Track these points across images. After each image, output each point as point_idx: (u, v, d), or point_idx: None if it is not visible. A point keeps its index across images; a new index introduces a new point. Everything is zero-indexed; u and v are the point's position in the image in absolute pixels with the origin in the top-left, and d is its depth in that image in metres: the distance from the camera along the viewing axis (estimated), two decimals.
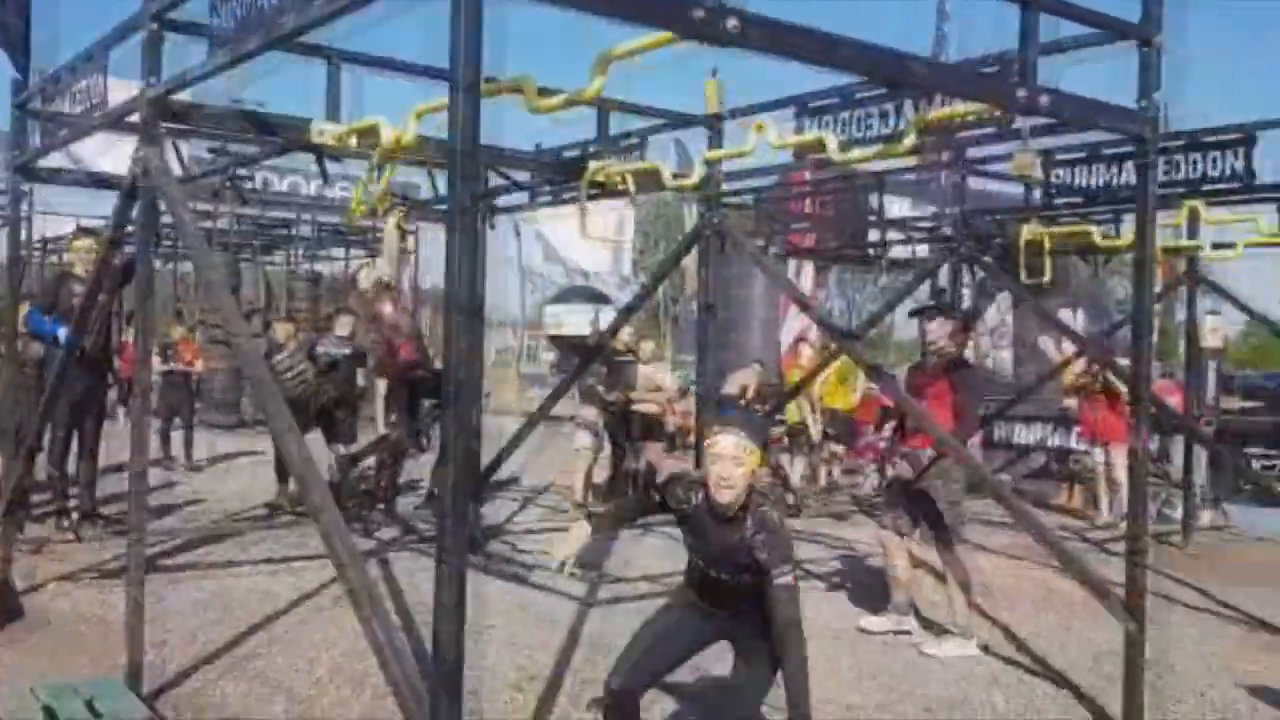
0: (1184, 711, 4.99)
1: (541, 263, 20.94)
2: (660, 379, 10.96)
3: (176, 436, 12.05)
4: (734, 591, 3.60)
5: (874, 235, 9.47)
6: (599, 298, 23.39)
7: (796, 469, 11.24)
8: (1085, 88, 4.30)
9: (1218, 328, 11.17)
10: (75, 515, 7.86)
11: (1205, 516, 10.13)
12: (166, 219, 7.93)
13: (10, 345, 7.24)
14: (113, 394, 11.62)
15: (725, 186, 6.69)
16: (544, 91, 4.74)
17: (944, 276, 11.36)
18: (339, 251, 20.51)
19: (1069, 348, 10.65)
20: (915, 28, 75.14)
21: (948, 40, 12.65)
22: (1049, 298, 11.98)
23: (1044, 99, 4.13)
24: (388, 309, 9.51)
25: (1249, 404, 18.57)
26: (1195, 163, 5.99)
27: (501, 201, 8.72)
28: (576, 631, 5.99)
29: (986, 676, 5.42)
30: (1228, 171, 5.88)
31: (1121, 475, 10.00)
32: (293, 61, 5.41)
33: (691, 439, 11.83)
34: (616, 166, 6.53)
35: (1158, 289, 6.68)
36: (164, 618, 5.51)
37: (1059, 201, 7.22)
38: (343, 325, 9.62)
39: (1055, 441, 12.06)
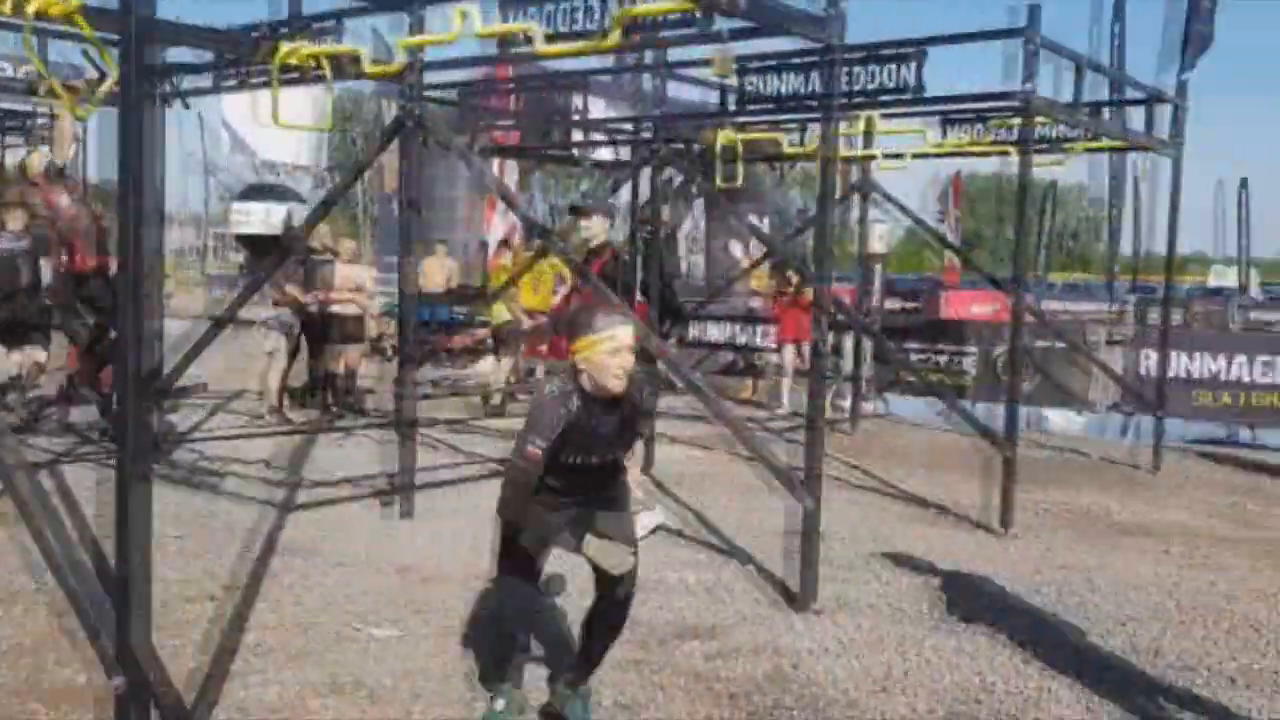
0: (853, 577, 5.53)
1: (228, 154, 19.51)
2: (361, 279, 10.61)
3: None
4: (603, 468, 3.53)
5: (578, 136, 9.48)
6: (291, 194, 22.10)
7: (503, 367, 11.32)
8: None
9: (884, 234, 12.24)
10: None
11: (869, 406, 11.18)
12: None
13: None
14: None
15: (427, 78, 6.45)
16: None
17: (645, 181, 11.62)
18: None
19: (756, 251, 11.27)
20: None
21: None
22: (739, 204, 12.61)
23: (742, 1, 4.24)
24: (64, 200, 8.58)
25: (906, 304, 20.74)
26: (874, 73, 6.40)
27: (185, 85, 7.95)
28: (273, 538, 5.80)
29: (682, 558, 5.75)
30: (900, 84, 6.33)
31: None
32: None
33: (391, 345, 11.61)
34: (311, 49, 6.11)
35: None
36: None
37: (752, 108, 7.51)
38: (15, 219, 8.51)
39: (742, 340, 12.87)
